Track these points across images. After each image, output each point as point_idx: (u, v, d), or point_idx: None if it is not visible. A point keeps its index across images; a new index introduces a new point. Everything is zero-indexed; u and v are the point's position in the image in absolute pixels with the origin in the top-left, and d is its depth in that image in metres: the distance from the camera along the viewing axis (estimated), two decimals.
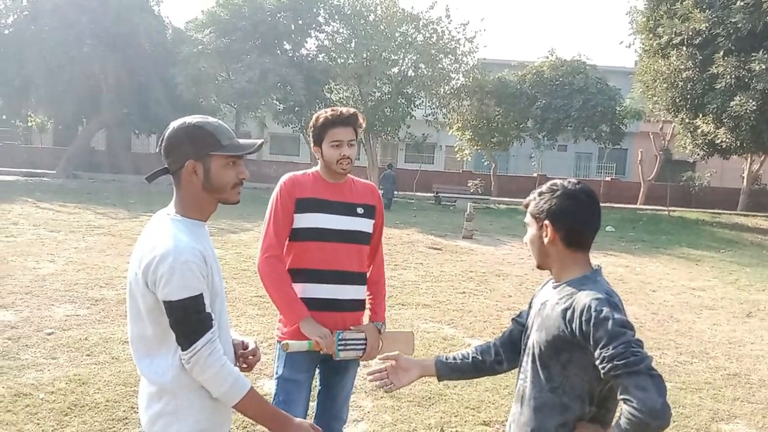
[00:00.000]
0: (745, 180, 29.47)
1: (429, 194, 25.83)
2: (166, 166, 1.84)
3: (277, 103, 26.27)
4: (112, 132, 32.85)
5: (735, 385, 5.22)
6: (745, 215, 26.33)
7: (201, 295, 1.70)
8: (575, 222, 1.83)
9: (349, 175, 2.78)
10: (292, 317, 2.61)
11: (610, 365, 1.59)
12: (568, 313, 1.73)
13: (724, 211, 27.29)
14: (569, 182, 1.87)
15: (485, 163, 32.06)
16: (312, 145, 2.75)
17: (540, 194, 1.88)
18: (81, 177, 26.14)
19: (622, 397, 1.58)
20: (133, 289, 1.77)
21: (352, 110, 2.69)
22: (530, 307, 2.02)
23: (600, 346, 1.62)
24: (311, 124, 2.72)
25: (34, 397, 4.10)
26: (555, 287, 1.87)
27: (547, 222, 1.84)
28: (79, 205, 15.50)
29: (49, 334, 5.40)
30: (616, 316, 1.65)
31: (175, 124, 1.83)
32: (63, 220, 12.71)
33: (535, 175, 30.38)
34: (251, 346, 2.04)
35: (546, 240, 1.84)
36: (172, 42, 27.21)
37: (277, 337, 2.75)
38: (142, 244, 1.78)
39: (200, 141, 1.79)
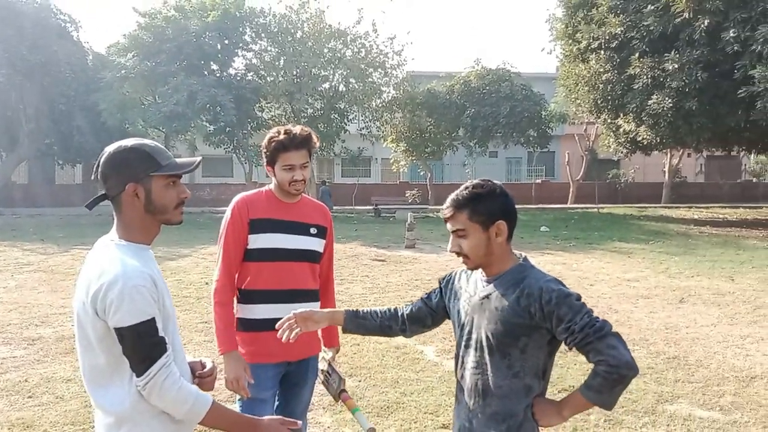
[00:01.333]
0: (666, 174, 31.04)
1: (368, 207, 25.95)
2: (103, 192, 1.81)
3: (207, 124, 25.88)
4: (34, 164, 31.51)
5: (675, 368, 5.48)
6: (669, 207, 27.72)
7: (153, 320, 1.67)
8: (515, 216, 1.99)
9: (303, 194, 2.81)
10: (222, 346, 2.63)
11: (582, 335, 1.78)
12: (522, 300, 1.86)
13: (650, 205, 28.65)
14: (488, 182, 1.97)
15: (421, 173, 32.52)
16: (265, 163, 2.74)
17: (474, 200, 1.92)
18: (3, 213, 24.85)
19: (595, 359, 1.78)
20: (81, 319, 1.73)
21: (306, 132, 2.67)
22: (452, 297, 2.11)
23: (566, 320, 1.80)
24: (264, 144, 2.71)
25: None
26: (489, 281, 1.97)
27: (501, 221, 1.93)
28: (4, 243, 14.75)
29: None
30: (572, 292, 1.85)
31: (110, 148, 1.80)
32: None
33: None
34: (208, 366, 2.01)
35: (499, 239, 1.93)
36: (94, 68, 26.41)
37: None
38: (88, 273, 1.74)
39: (139, 163, 1.77)
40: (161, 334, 1.69)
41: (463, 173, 34.75)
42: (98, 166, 1.79)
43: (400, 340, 6.36)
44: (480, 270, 2.02)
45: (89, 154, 26.78)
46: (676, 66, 16.41)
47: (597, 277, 10.18)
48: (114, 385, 1.72)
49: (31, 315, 7.35)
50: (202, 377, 1.96)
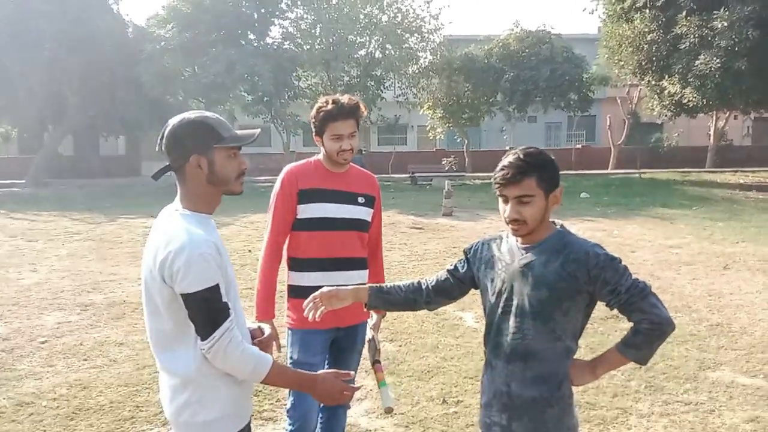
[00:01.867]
0: (711, 137, 30.03)
1: (405, 175, 25.88)
2: (168, 163, 1.87)
3: (246, 94, 26.03)
4: (79, 137, 32.25)
5: (718, 335, 5.42)
6: (713, 172, 26.91)
7: (217, 286, 1.74)
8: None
9: (352, 164, 2.85)
10: (260, 314, 2.74)
11: (627, 296, 1.87)
12: (567, 265, 1.90)
13: (693, 170, 27.83)
14: (541, 149, 1.98)
15: (458, 140, 32.17)
16: (313, 133, 2.78)
17: (542, 166, 1.93)
18: (52, 184, 25.67)
19: (637, 318, 1.88)
20: (149, 286, 1.81)
21: (353, 101, 2.69)
22: (481, 266, 2.10)
23: (613, 282, 1.87)
24: (312, 114, 2.73)
25: (36, 405, 4.12)
26: (528, 248, 1.98)
27: (560, 188, 1.97)
28: (54, 213, 15.28)
29: (43, 342, 5.39)
30: (615, 256, 1.92)
31: (174, 121, 1.85)
32: (39, 229, 12.53)
33: (507, 148, 30.43)
34: (267, 332, 2.11)
35: (555, 206, 1.98)
36: (134, 40, 26.68)
37: (287, 323, 2.83)
38: (154, 241, 1.81)
39: (202, 135, 1.83)
40: (225, 299, 1.76)
41: (501, 139, 34.30)
42: (162, 138, 1.85)
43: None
44: (515, 237, 2.03)
45: (132, 125, 27.30)
46: (726, 24, 15.76)
47: (638, 243, 10.03)
48: (180, 349, 1.80)
49: (83, 282, 7.66)
50: (261, 343, 2.05)
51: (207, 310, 1.73)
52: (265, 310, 2.75)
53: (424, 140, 36.36)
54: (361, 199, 2.82)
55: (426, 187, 22.77)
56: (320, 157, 2.81)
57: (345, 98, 2.70)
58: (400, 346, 5.23)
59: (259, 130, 1.97)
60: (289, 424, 2.75)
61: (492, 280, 2.06)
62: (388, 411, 2.25)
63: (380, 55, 26.50)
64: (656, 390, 4.25)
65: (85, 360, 4.98)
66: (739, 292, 6.88)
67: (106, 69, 25.34)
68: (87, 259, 9.16)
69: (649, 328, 1.85)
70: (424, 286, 2.22)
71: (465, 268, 2.18)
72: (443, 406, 4.10)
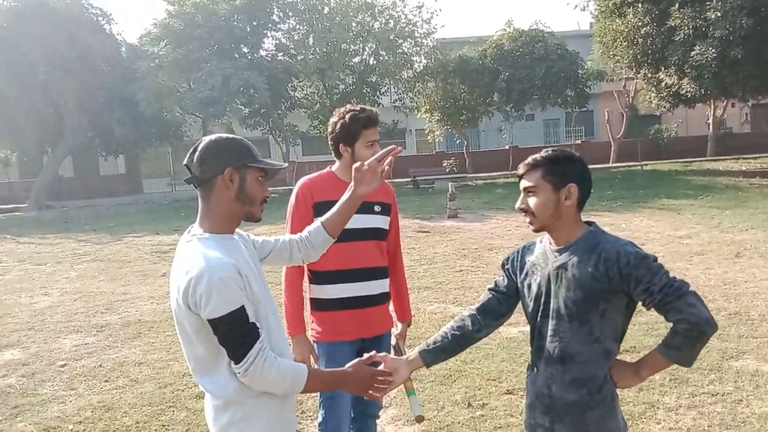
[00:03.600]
0: (711, 126, 30.07)
1: (406, 179, 25.88)
2: (197, 175, 1.85)
3: (242, 107, 26.06)
4: (78, 158, 32.32)
5: (737, 324, 5.41)
6: (715, 160, 26.91)
7: (242, 308, 1.72)
8: (590, 185, 2.02)
9: None
10: (290, 328, 2.75)
11: (661, 295, 1.81)
12: (600, 265, 1.88)
13: (695, 159, 27.84)
14: (569, 150, 2.05)
15: (457, 142, 32.17)
16: (341, 144, 2.73)
17: (551, 161, 1.97)
18: (54, 207, 25.69)
19: (674, 318, 1.82)
20: (177, 315, 1.81)
21: (375, 109, 2.72)
22: (520, 274, 2.10)
23: (645, 282, 1.83)
24: (336, 122, 2.71)
25: (63, 429, 4.11)
26: (561, 250, 1.98)
27: (573, 185, 1.95)
28: (59, 235, 15.28)
29: (63, 366, 5.38)
30: (648, 254, 1.87)
31: (211, 137, 1.88)
32: (47, 252, 12.54)
33: (507, 147, 30.57)
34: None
35: (568, 202, 1.95)
36: (128, 59, 26.75)
37: (312, 336, 2.82)
38: (176, 270, 1.81)
39: (239, 151, 1.85)
40: (252, 320, 1.75)
41: (500, 139, 34.34)
42: (195, 150, 1.85)
43: (454, 309, 6.42)
44: (548, 241, 2.04)
45: (130, 144, 27.37)
46: (719, 14, 15.79)
47: (647, 236, 10.02)
48: (216, 372, 1.80)
49: (96, 303, 7.65)
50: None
51: (234, 333, 1.72)
52: (297, 323, 2.76)
53: (423, 143, 36.39)
54: (377, 208, 2.79)
55: (428, 190, 22.78)
56: (335, 168, 2.80)
57: (367, 107, 2.72)
58: None
59: (287, 164, 2.04)
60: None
61: (529, 286, 2.07)
62: (419, 420, 2.23)
63: (375, 62, 26.54)
64: (681, 382, 4.24)
65: (107, 381, 4.97)
66: (753, 279, 6.87)
67: (102, 89, 25.43)
68: (98, 280, 9.16)
69: (686, 329, 1.80)
70: (469, 317, 2.18)
71: (507, 281, 2.17)
72: (469, 409, 4.08)
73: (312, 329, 2.82)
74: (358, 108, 2.70)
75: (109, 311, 7.22)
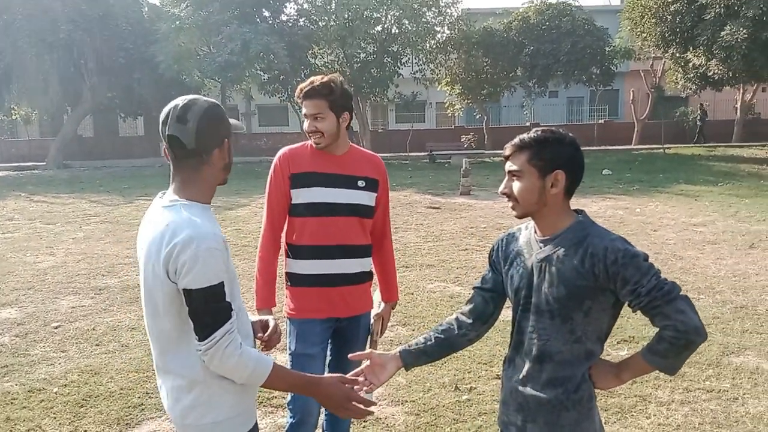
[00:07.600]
0: (738, 111, 29.27)
1: (423, 153, 25.64)
2: (193, 147, 1.72)
3: (262, 73, 25.88)
4: (98, 118, 32.52)
5: (743, 318, 5.25)
6: (740, 146, 26.27)
7: (222, 284, 1.64)
8: (581, 172, 1.85)
9: (354, 145, 2.74)
10: (258, 302, 2.67)
11: (648, 298, 1.67)
12: (586, 261, 1.73)
13: (719, 144, 27.21)
14: (561, 131, 1.84)
15: (477, 117, 31.74)
16: None
17: (539, 143, 1.81)
18: (71, 166, 25.91)
19: (661, 324, 1.68)
20: (149, 283, 1.71)
21: (323, 80, 2.56)
22: (504, 264, 1.96)
23: (633, 282, 1.68)
24: None
25: (47, 392, 4.11)
26: (546, 241, 1.84)
27: (560, 171, 1.79)
28: (73, 195, 15.40)
29: (57, 327, 5.40)
30: (639, 252, 1.72)
31: (194, 103, 1.72)
32: (58, 211, 12.63)
33: (528, 124, 30.12)
34: (271, 324, 2.00)
35: (554, 190, 1.80)
36: (149, 20, 26.61)
37: (285, 312, 2.74)
38: (152, 235, 1.70)
39: (228, 121, 1.81)
40: (228, 299, 1.67)
41: (521, 115, 33.83)
42: (181, 119, 1.70)
43: (454, 288, 6.33)
44: (533, 230, 1.90)
45: (150, 106, 27.34)
46: None
47: (661, 222, 9.79)
48: (183, 350, 1.71)
49: (98, 265, 7.67)
50: (264, 340, 1.97)
51: (208, 309, 1.63)
52: (264, 298, 2.66)
53: (442, 117, 35.99)
54: (361, 183, 2.66)
55: (445, 165, 22.54)
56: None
57: (320, 78, 2.58)
58: (413, 330, 5.14)
59: (244, 128, 1.94)
60: (290, 417, 2.67)
61: (512, 277, 1.93)
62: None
63: (397, 31, 26.07)
64: (677, 377, 4.10)
65: (98, 345, 4.98)
66: (765, 272, 6.66)
67: (122, 49, 25.35)
68: (103, 242, 9.19)
69: (673, 336, 1.66)
70: (456, 321, 2.05)
71: (492, 273, 2.02)
72: (455, 393, 4.01)
73: (285, 305, 2.74)
74: (309, 80, 2.59)
75: (110, 274, 7.23)
